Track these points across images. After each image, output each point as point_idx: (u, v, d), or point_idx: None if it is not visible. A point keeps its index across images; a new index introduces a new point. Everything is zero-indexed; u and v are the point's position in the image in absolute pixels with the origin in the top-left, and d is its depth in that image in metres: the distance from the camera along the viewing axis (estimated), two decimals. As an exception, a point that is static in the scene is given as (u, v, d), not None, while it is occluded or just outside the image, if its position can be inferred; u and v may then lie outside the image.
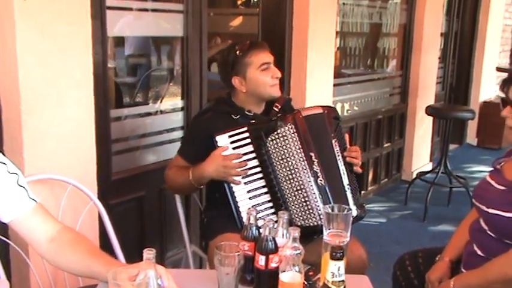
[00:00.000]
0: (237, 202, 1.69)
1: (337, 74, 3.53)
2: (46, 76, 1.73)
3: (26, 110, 1.69)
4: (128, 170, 2.29)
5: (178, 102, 2.52)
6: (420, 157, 4.65)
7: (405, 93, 4.43)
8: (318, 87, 3.14)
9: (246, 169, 1.68)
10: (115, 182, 2.18)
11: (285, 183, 1.68)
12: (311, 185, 1.66)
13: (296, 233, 1.16)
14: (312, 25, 2.96)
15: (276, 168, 1.68)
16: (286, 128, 1.68)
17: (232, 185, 1.68)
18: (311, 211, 1.66)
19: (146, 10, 2.30)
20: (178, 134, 2.49)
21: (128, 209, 2.28)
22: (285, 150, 1.67)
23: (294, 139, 1.68)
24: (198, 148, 1.75)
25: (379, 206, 3.93)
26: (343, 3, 3.61)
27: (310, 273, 1.23)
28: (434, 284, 1.57)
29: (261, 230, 1.24)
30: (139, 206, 2.35)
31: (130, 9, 2.24)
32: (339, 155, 1.73)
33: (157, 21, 2.41)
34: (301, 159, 1.67)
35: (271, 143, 1.68)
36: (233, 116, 1.78)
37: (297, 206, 1.67)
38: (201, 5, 2.42)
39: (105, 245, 1.74)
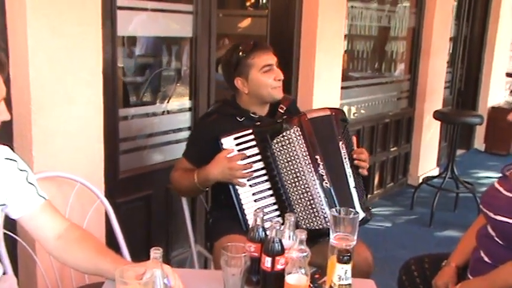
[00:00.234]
0: (242, 204, 1.68)
1: (345, 77, 3.52)
2: (56, 75, 1.74)
3: (36, 107, 1.70)
4: (135, 169, 2.30)
5: (186, 103, 2.53)
6: (427, 162, 4.62)
7: (413, 97, 4.41)
8: (325, 89, 3.13)
9: (251, 171, 1.67)
10: (122, 181, 2.19)
11: (290, 185, 1.67)
12: (316, 188, 1.66)
13: (303, 235, 1.16)
14: (320, 27, 2.96)
15: (281, 170, 1.67)
16: (292, 131, 1.67)
17: (237, 187, 1.68)
18: (316, 214, 1.65)
19: (156, 10, 2.31)
20: (186, 134, 2.49)
21: (134, 207, 2.29)
22: (291, 153, 1.67)
23: (300, 142, 1.67)
24: (203, 150, 1.73)
25: (385, 210, 3.91)
26: (352, 6, 3.60)
27: (316, 275, 1.23)
28: (440, 290, 1.57)
29: (267, 232, 1.24)
30: (146, 205, 2.36)
31: (141, 9, 2.26)
32: (345, 158, 1.72)
33: (167, 22, 2.42)
34: (307, 162, 1.66)
35: (276, 145, 1.67)
36: (238, 118, 1.77)
37: (302, 209, 1.66)
38: (210, 6, 2.42)
39: (112, 243, 1.74)
